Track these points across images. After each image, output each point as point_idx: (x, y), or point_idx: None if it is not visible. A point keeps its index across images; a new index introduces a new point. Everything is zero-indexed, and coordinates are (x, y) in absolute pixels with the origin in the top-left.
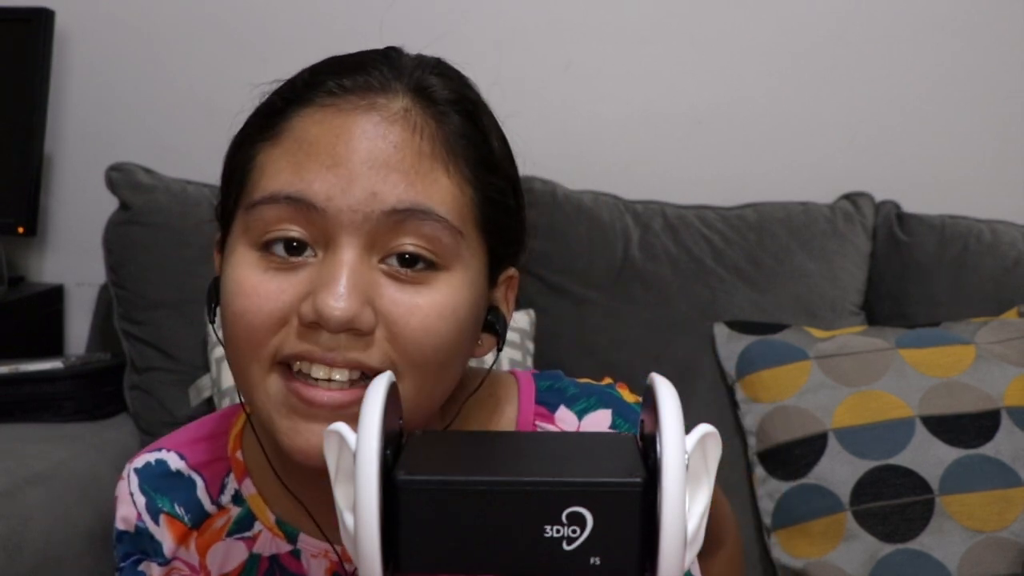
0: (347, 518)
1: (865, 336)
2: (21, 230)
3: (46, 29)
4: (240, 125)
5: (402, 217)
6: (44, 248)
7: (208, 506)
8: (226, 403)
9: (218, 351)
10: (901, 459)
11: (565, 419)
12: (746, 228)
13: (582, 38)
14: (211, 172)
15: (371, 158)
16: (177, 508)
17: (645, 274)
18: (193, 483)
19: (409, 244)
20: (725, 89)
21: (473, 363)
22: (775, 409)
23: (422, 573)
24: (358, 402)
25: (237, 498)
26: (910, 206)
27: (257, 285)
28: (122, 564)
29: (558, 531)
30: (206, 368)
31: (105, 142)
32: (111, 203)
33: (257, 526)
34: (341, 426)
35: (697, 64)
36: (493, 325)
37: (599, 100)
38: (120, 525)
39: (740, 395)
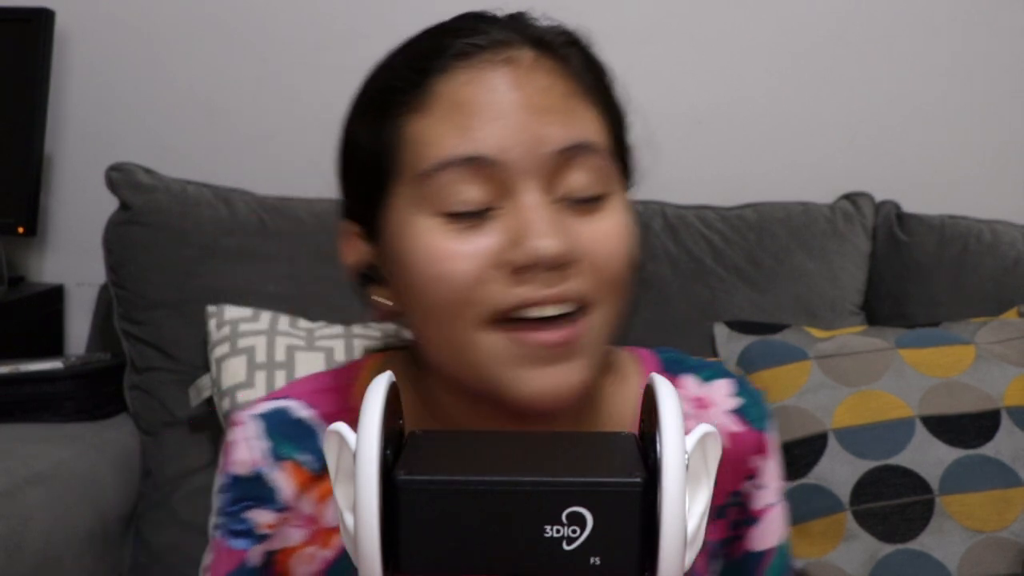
0: (347, 518)
1: (865, 336)
2: (21, 230)
3: (46, 29)
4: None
5: (569, 155)
6: (44, 248)
7: None
8: (226, 403)
9: (218, 351)
10: (901, 459)
11: (689, 384)
12: (746, 228)
13: None
14: (211, 172)
15: (528, 105)
16: (302, 456)
17: (645, 274)
18: (318, 432)
19: (579, 178)
20: (725, 89)
21: None
22: (775, 409)
23: (422, 573)
24: (584, 335)
25: None
26: (910, 206)
27: (452, 247)
28: (230, 509)
29: (558, 531)
30: (206, 368)
31: (105, 142)
32: (111, 203)
33: None
34: (341, 426)
35: (697, 64)
36: None
37: None
38: (235, 469)
39: None
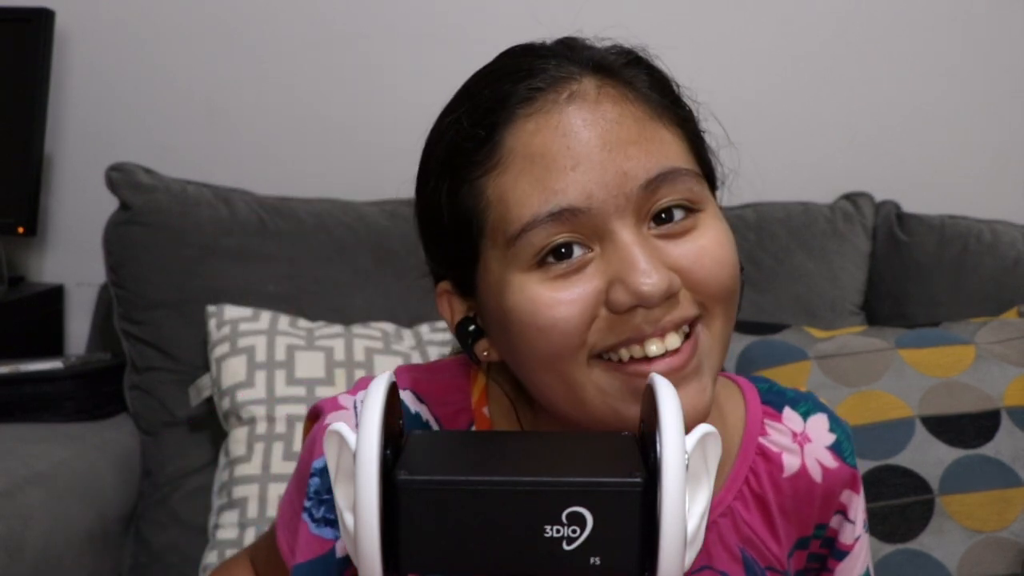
0: (347, 518)
1: (865, 336)
2: (21, 230)
3: (46, 29)
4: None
5: (656, 184)
6: (44, 248)
7: None
8: (226, 403)
9: (218, 351)
10: (901, 459)
11: (791, 419)
12: (746, 228)
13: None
14: (211, 172)
15: (604, 142)
16: None
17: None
18: (429, 427)
19: (668, 202)
20: (725, 89)
21: None
22: None
23: (422, 573)
24: (694, 354)
25: None
26: (910, 206)
27: (555, 296)
28: (323, 496)
29: (558, 531)
30: (206, 368)
31: (105, 142)
32: (111, 203)
33: None
34: (341, 426)
35: (696, 64)
36: None
37: None
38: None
39: None
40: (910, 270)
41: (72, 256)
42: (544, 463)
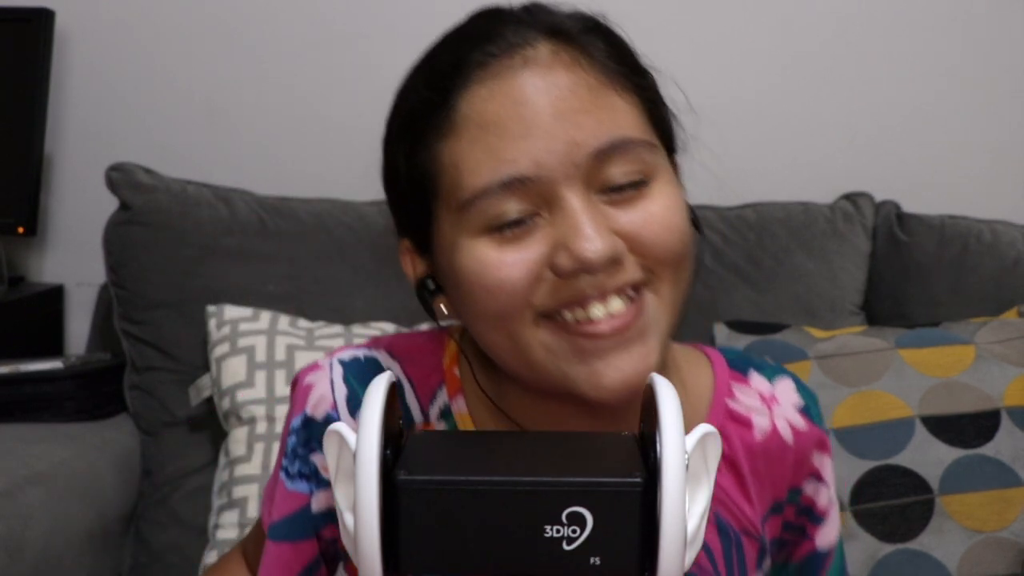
0: (347, 518)
1: (865, 336)
2: (21, 230)
3: (46, 29)
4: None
5: (606, 153)
6: (44, 248)
7: (416, 414)
8: (226, 403)
9: (218, 350)
10: (901, 459)
11: (758, 382)
12: (746, 228)
13: None
14: (211, 172)
15: (555, 110)
16: None
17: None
18: (402, 388)
19: (619, 173)
20: (725, 89)
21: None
22: None
23: (422, 573)
24: (638, 317)
25: (446, 413)
26: (910, 206)
27: (501, 258)
28: (298, 451)
29: (558, 531)
30: (206, 368)
31: (105, 142)
32: (111, 203)
33: None
34: (341, 426)
35: (696, 64)
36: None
37: None
38: (311, 411)
39: None
40: (910, 270)
41: (72, 256)
42: (544, 463)
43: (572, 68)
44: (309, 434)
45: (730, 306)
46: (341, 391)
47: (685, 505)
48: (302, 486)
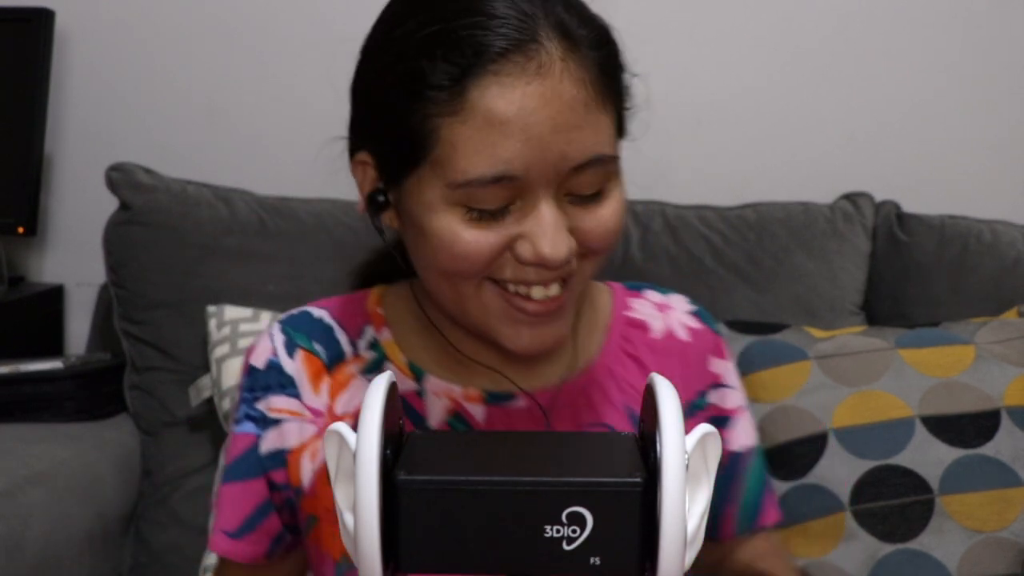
0: (347, 518)
1: (865, 336)
2: (21, 230)
3: (46, 29)
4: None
5: (584, 167)
6: (44, 248)
7: (346, 347)
8: (226, 403)
9: (218, 351)
10: (901, 459)
11: (652, 295)
12: (746, 228)
13: None
14: (211, 172)
15: (555, 124)
16: (315, 345)
17: (645, 274)
18: (332, 327)
19: (587, 184)
20: (725, 88)
21: None
22: (775, 409)
23: (422, 573)
24: (569, 300)
25: (375, 345)
26: (910, 206)
27: (471, 235)
28: (245, 396)
29: (558, 531)
30: (206, 368)
31: (105, 142)
32: (111, 203)
33: (388, 367)
34: (341, 426)
35: (697, 63)
36: None
37: None
38: (253, 361)
39: None
40: (910, 270)
41: (72, 256)
42: (544, 463)
43: (576, 84)
44: (254, 381)
45: (730, 306)
46: (279, 339)
47: (685, 505)
48: (249, 427)
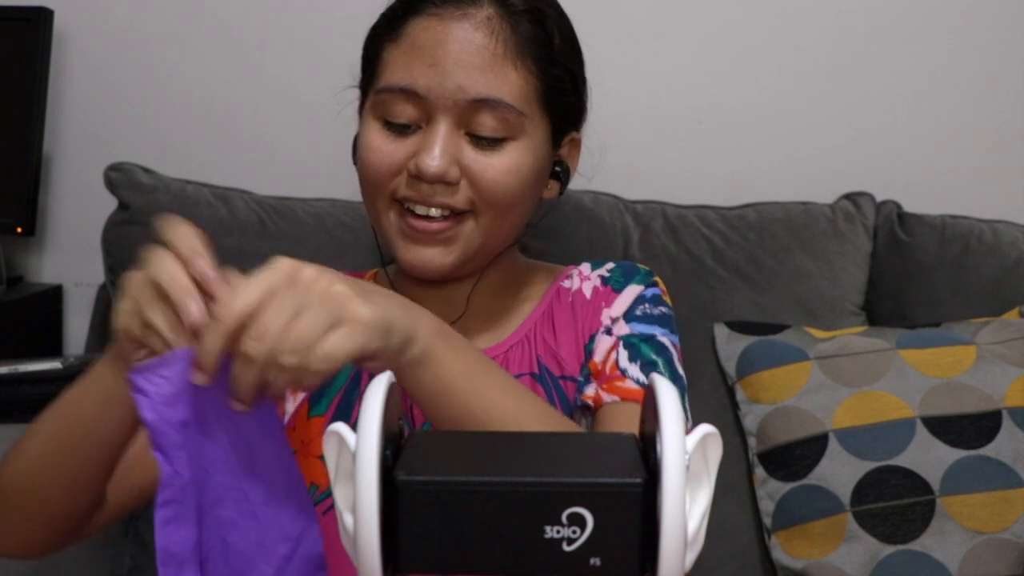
0: (347, 518)
1: (865, 336)
2: (20, 230)
3: (45, 28)
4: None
5: (480, 104)
6: (43, 248)
7: None
8: None
9: None
10: (902, 460)
11: (585, 268)
12: (746, 228)
13: (581, 38)
14: (211, 172)
15: (459, 59)
16: None
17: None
18: None
19: (486, 126)
20: (725, 88)
21: None
22: (775, 410)
23: (422, 573)
24: (447, 231)
25: None
26: (911, 206)
27: (381, 146)
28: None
29: (558, 531)
30: None
31: (105, 142)
32: (110, 203)
33: None
34: (341, 426)
35: (697, 63)
36: (559, 174)
37: (599, 100)
38: None
39: (740, 396)
40: (911, 270)
41: (71, 256)
42: (544, 463)
43: (490, 35)
44: None
45: (730, 306)
46: None
47: (685, 505)
48: None
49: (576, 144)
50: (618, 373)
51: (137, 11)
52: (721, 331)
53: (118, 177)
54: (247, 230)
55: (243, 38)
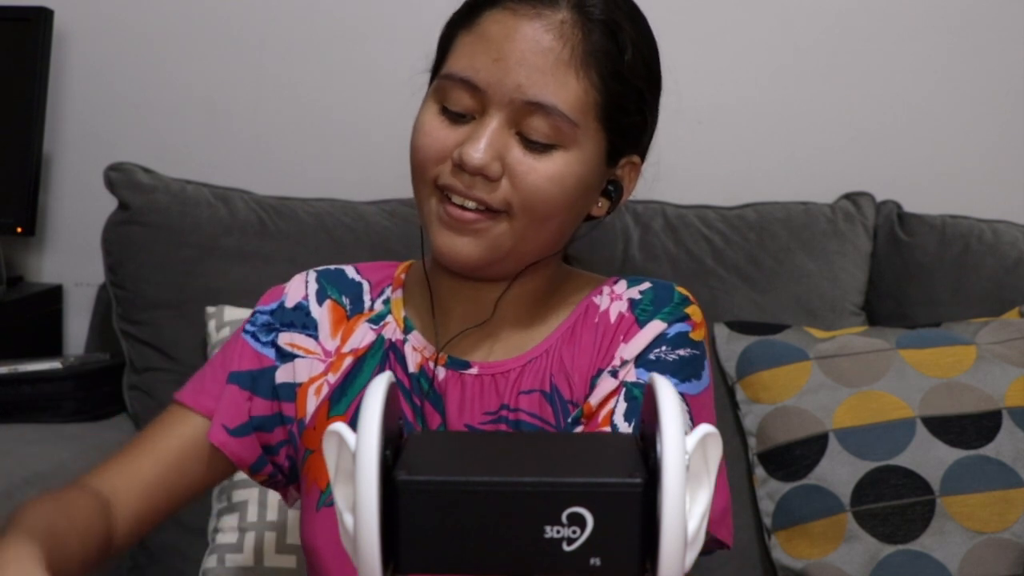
0: (347, 518)
1: (865, 336)
2: (20, 230)
3: (45, 28)
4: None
5: (534, 107)
6: (43, 248)
7: (367, 302)
8: None
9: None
10: (902, 460)
11: (620, 285)
12: (746, 228)
13: None
14: (211, 172)
15: (523, 58)
16: (343, 298)
17: (645, 274)
18: (361, 286)
19: (537, 125)
20: (725, 88)
21: None
22: (775, 410)
23: (422, 573)
24: (479, 222)
25: (386, 301)
26: (911, 206)
27: (432, 130)
28: (267, 321)
29: (558, 531)
30: None
31: (104, 142)
32: (110, 203)
33: (389, 319)
34: (341, 426)
35: (697, 63)
36: (610, 192)
37: None
38: (284, 300)
39: (740, 396)
40: (911, 270)
41: (71, 256)
42: (544, 463)
43: (561, 39)
44: (281, 319)
45: (731, 306)
46: (312, 286)
47: (685, 505)
48: (270, 352)
49: (635, 168)
50: (607, 430)
51: (137, 11)
52: (721, 331)
53: (118, 177)
54: (247, 230)
55: (243, 38)
